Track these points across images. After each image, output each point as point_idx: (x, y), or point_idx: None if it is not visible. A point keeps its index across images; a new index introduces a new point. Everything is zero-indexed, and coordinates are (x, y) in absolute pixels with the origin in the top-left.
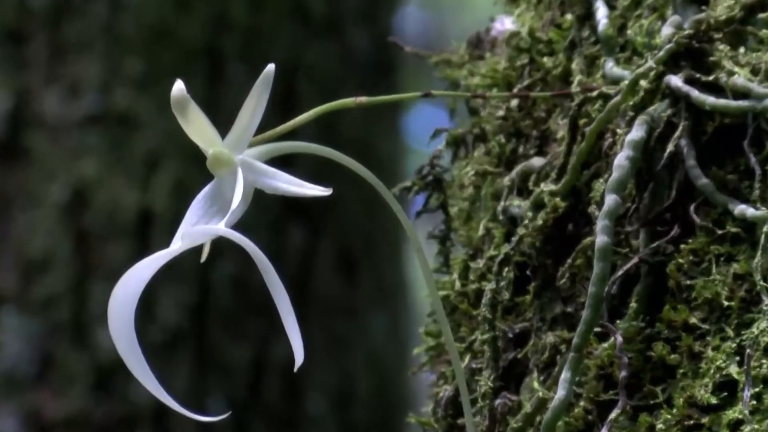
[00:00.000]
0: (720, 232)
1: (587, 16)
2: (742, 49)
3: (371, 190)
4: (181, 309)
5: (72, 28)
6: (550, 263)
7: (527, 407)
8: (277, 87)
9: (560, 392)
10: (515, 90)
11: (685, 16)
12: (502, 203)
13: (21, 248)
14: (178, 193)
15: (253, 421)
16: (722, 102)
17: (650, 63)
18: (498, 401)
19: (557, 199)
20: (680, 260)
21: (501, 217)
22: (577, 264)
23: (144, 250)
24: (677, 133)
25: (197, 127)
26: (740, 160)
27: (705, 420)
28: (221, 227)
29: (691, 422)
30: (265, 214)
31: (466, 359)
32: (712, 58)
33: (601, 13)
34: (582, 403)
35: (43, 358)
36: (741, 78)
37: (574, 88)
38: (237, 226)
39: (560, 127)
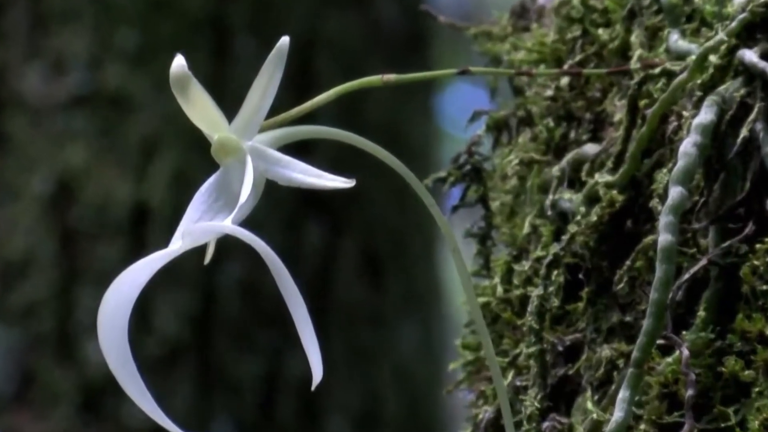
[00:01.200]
0: None
1: None
2: None
3: (400, 182)
4: (181, 318)
5: None
6: (606, 265)
7: (580, 431)
8: (292, 63)
9: (617, 414)
10: (566, 66)
11: None
12: (550, 197)
13: None
14: (178, 185)
15: None
16: None
17: (721, 35)
18: (546, 424)
19: (614, 192)
20: (755, 262)
21: (549, 213)
22: (636, 266)
23: (139, 250)
24: (752, 116)
25: (200, 108)
26: None
27: None
28: (228, 224)
29: None
30: (279, 209)
31: (510, 376)
32: None
33: None
34: (642, 426)
35: (24, 374)
36: None
37: (634, 64)
38: (246, 223)
39: (617, 108)
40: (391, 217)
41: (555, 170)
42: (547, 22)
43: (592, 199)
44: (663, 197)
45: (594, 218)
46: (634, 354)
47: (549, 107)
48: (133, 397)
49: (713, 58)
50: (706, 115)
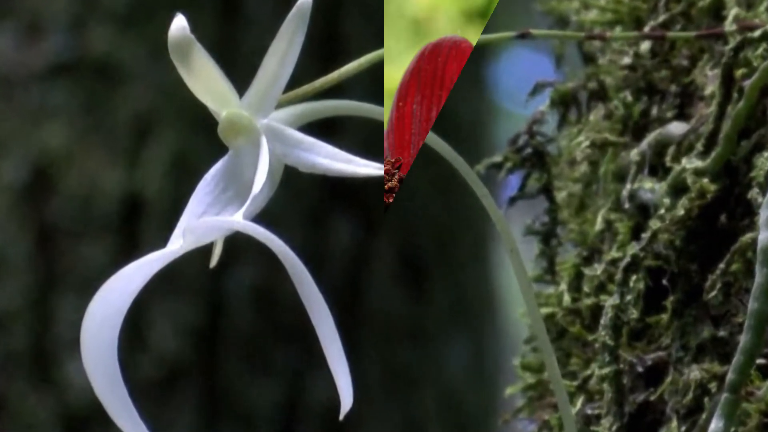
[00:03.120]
0: None
1: None
2: None
3: (446, 168)
4: (182, 333)
5: None
6: (695, 269)
7: None
8: (316, 25)
9: None
10: (646, 29)
11: None
12: (628, 186)
13: None
14: (177, 173)
15: None
16: None
17: None
18: None
19: (705, 180)
20: None
21: (627, 206)
22: (732, 270)
23: (131, 250)
24: None
25: (205, 79)
26: None
27: None
28: (238, 219)
29: None
30: (300, 201)
31: (579, 402)
32: None
33: None
34: None
35: None
36: None
37: (729, 26)
38: (260, 218)
39: (709, 80)
40: (435, 211)
41: (634, 154)
42: None
43: (678, 189)
44: (764, 187)
45: (681, 212)
46: (729, 376)
47: (626, 78)
48: (123, 428)
49: None
50: None
